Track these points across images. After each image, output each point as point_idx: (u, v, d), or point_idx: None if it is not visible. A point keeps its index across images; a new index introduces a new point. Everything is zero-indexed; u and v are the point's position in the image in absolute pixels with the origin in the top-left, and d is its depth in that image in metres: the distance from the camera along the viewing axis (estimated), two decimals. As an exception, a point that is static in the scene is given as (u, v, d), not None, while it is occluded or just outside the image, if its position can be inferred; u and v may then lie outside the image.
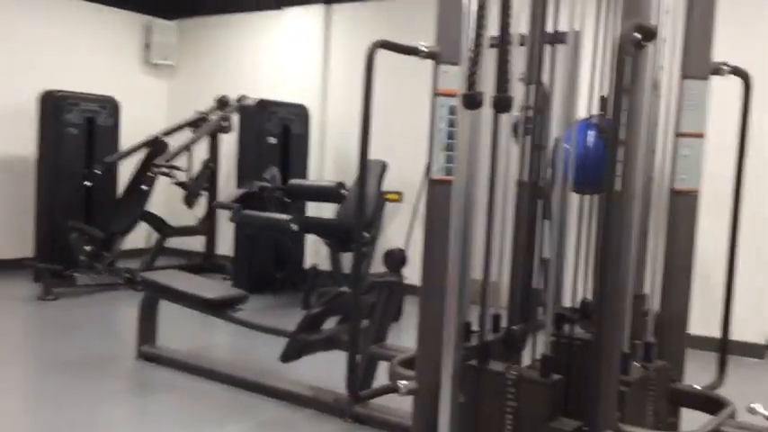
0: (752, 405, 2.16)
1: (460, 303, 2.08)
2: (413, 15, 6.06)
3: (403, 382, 2.27)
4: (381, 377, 3.26)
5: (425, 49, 2.15)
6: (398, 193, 6.14)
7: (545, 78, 2.43)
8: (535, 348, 2.28)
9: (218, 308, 3.92)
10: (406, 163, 6.12)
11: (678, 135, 2.42)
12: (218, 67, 7.79)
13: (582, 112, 2.39)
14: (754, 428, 2.18)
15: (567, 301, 2.52)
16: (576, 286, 2.47)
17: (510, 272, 2.48)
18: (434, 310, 2.17)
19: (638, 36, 1.79)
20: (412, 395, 2.29)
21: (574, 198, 2.46)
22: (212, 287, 4.24)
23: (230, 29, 7.71)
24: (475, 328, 2.23)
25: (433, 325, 2.19)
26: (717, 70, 2.41)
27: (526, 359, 2.34)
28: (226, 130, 6.64)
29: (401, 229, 6.05)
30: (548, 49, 2.42)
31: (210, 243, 7.09)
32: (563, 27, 2.29)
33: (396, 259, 3.16)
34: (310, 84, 7.01)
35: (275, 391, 3.56)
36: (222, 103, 6.89)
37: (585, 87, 2.34)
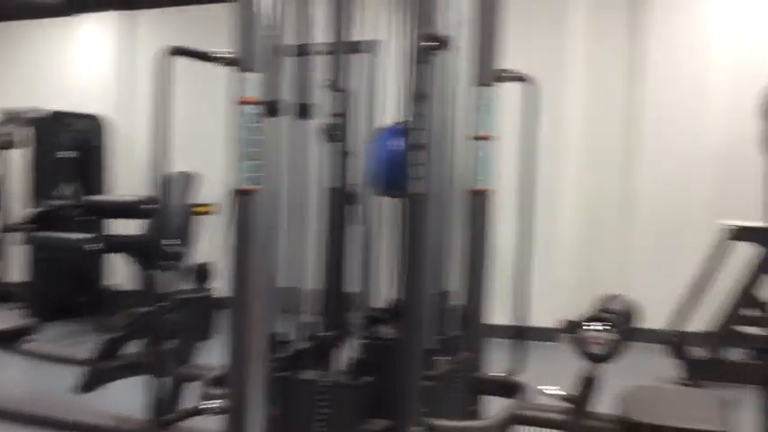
0: (544, 387, 2.33)
1: (269, 314, 2.05)
2: (222, 21, 5.92)
3: (212, 402, 2.19)
4: (193, 399, 3.13)
5: (224, 56, 2.10)
6: (209, 206, 5.96)
7: (353, 86, 2.47)
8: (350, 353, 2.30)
9: (4, 340, 3.57)
10: (219, 173, 5.95)
11: (473, 138, 2.56)
12: (7, 78, 7.13)
13: (390, 119, 2.47)
14: (545, 408, 2.35)
15: (381, 303, 2.58)
16: (389, 287, 2.53)
17: (322, 278, 2.49)
18: (243, 323, 2.12)
19: (432, 44, 1.87)
20: (223, 414, 2.22)
21: (386, 202, 2.53)
22: (-4, 318, 3.85)
23: (18, 37, 7.10)
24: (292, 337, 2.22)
25: (242, 339, 2.13)
26: (503, 77, 2.59)
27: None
28: (11, 145, 6.08)
29: (215, 243, 5.88)
30: (356, 57, 2.46)
31: (-1, 270, 6.45)
32: (369, 36, 2.34)
33: (202, 274, 3.06)
34: (111, 94, 6.63)
35: (74, 424, 3.29)
36: (9, 116, 6.30)
37: (394, 94, 2.41)
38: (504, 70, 2.59)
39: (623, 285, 5.41)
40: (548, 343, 5.09)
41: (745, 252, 4.34)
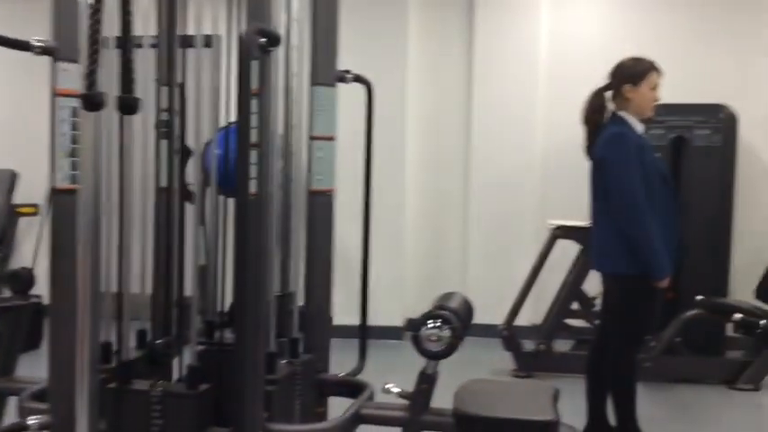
0: (386, 385, 2.35)
1: (94, 322, 1.91)
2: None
3: (34, 418, 2.02)
4: (12, 415, 2.87)
5: (40, 45, 1.93)
6: (35, 206, 5.53)
7: (190, 81, 2.36)
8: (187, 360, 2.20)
9: None
10: (44, 171, 5.53)
11: (312, 138, 2.53)
12: None
13: (233, 116, 2.38)
14: (389, 406, 2.37)
15: (222, 307, 2.50)
16: (231, 291, 2.45)
17: (155, 283, 2.37)
18: (66, 332, 1.96)
19: (262, 40, 1.82)
20: (46, 430, 2.05)
21: (229, 202, 2.44)
22: None
23: None
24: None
25: (65, 349, 1.97)
26: (342, 78, 2.59)
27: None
28: None
29: (40, 246, 5.45)
30: (198, 52, 2.34)
31: None
32: (207, 30, 2.24)
33: (22, 280, 2.81)
34: None
35: None
36: None
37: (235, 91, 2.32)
38: (343, 71, 2.59)
39: (463, 283, 5.64)
40: (394, 341, 5.20)
41: (572, 249, 4.65)
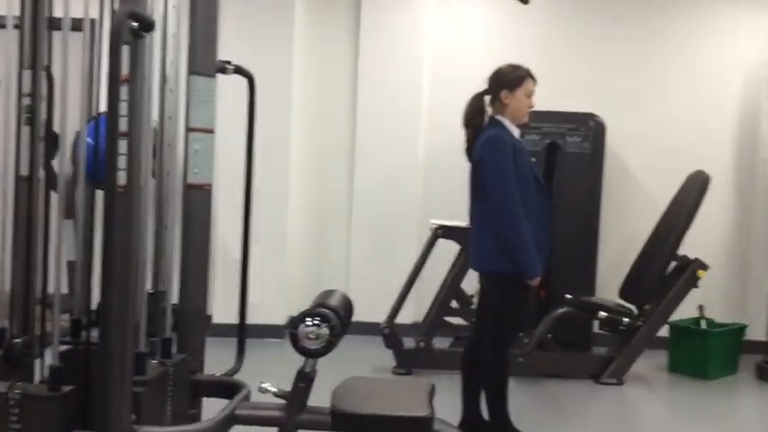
0: (262, 384, 2.31)
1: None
2: None
3: None
4: None
5: None
6: None
7: (57, 66, 2.21)
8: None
9: None
10: None
11: (189, 130, 2.45)
12: None
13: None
14: (265, 406, 2.33)
15: (90, 305, 2.37)
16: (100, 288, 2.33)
17: (13, 277, 2.21)
18: None
19: (134, 24, 1.74)
20: None
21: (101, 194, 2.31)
22: None
23: None
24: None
25: None
26: (222, 69, 2.52)
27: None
28: None
29: None
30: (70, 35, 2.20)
31: None
32: (77, 14, 2.11)
33: None
34: None
35: None
36: None
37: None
38: (224, 62, 2.53)
39: (347, 281, 5.65)
40: (277, 340, 5.13)
41: (454, 249, 4.76)
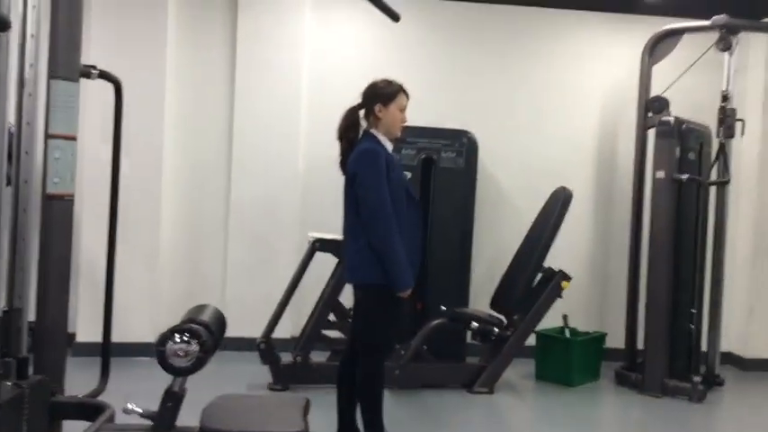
0: (127, 405, 2.21)
1: None
2: None
3: None
4: None
5: None
6: None
7: None
8: None
9: None
10: None
11: (48, 137, 2.31)
12: None
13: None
14: (130, 427, 2.23)
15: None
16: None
17: None
18: None
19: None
20: None
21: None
22: None
23: None
24: None
25: None
26: (86, 73, 2.40)
27: None
28: None
29: None
30: None
31: None
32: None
33: None
34: None
35: None
36: None
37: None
38: (89, 66, 2.41)
39: (223, 296, 5.52)
40: (147, 359, 4.91)
41: (331, 262, 4.76)
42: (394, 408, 4.30)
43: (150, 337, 5.10)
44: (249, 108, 5.54)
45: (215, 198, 5.65)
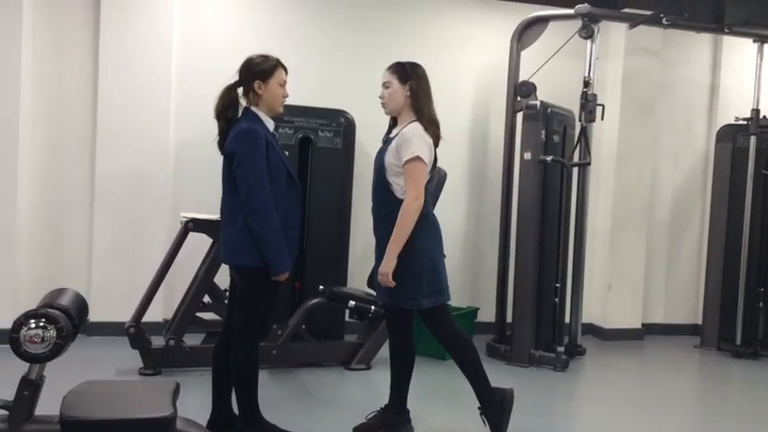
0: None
1: None
2: None
3: None
4: None
5: None
6: None
7: None
8: None
9: None
10: None
11: None
12: None
13: None
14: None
15: None
16: None
17: None
18: None
19: None
20: None
21: None
22: None
23: None
24: None
25: None
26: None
27: None
28: None
29: None
30: None
31: None
32: None
33: None
34: None
35: None
36: None
37: None
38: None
39: (88, 279, 5.27)
40: (6, 346, 4.61)
41: (205, 242, 4.64)
42: (271, 387, 4.28)
43: (6, 323, 4.80)
44: (115, 79, 5.29)
45: (79, 174, 5.37)
